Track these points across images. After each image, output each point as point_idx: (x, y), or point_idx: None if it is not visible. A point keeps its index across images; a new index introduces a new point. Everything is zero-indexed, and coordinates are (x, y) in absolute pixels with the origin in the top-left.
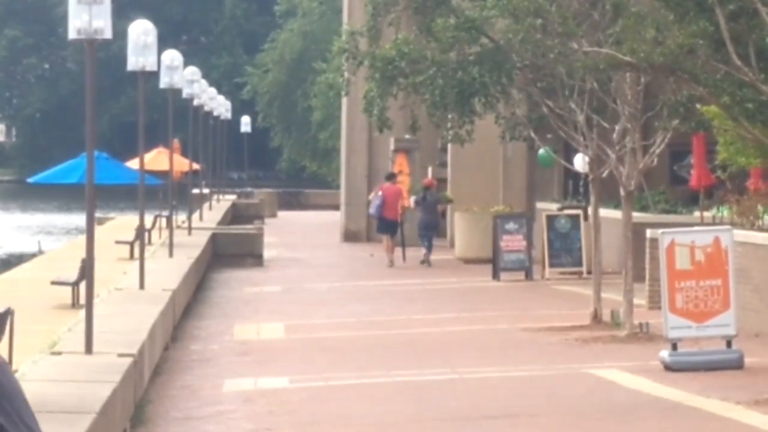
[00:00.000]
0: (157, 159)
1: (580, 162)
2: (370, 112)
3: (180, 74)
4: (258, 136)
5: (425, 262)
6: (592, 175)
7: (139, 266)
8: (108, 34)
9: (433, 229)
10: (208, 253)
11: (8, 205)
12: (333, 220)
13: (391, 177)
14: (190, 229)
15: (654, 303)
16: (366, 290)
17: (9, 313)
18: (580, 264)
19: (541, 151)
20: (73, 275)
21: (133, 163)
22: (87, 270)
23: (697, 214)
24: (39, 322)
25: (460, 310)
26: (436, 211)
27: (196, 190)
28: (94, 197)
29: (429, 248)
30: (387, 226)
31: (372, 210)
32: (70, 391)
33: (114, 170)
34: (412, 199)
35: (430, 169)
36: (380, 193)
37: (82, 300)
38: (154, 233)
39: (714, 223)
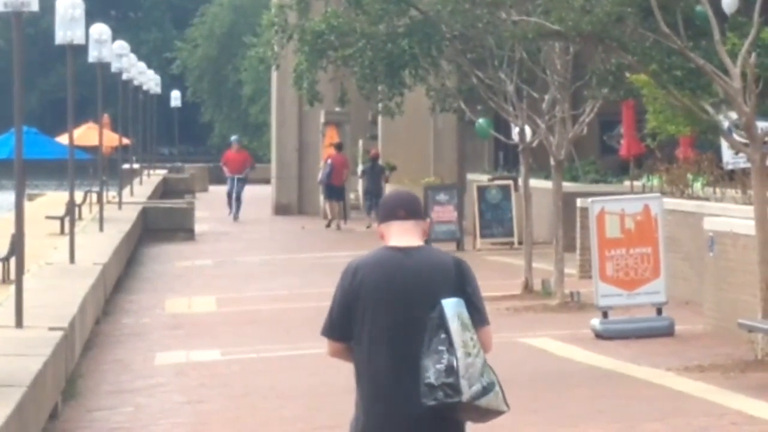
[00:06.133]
0: (86, 134)
1: None
2: (300, 85)
3: (109, 48)
4: (188, 111)
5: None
6: (522, 145)
7: (70, 241)
8: (35, 7)
9: (378, 196)
10: (139, 227)
11: None
12: (264, 193)
13: (339, 147)
14: (120, 203)
15: (585, 272)
16: (298, 263)
17: None
18: (511, 234)
19: (480, 120)
20: (2, 251)
21: (63, 139)
22: (17, 244)
23: (627, 183)
24: None
25: None
26: (380, 180)
27: (126, 166)
28: (24, 172)
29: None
30: (334, 191)
31: (321, 177)
32: (0, 365)
33: (43, 145)
34: (359, 168)
35: (360, 142)
36: (329, 161)
37: (13, 275)
38: (85, 208)
39: (644, 192)
